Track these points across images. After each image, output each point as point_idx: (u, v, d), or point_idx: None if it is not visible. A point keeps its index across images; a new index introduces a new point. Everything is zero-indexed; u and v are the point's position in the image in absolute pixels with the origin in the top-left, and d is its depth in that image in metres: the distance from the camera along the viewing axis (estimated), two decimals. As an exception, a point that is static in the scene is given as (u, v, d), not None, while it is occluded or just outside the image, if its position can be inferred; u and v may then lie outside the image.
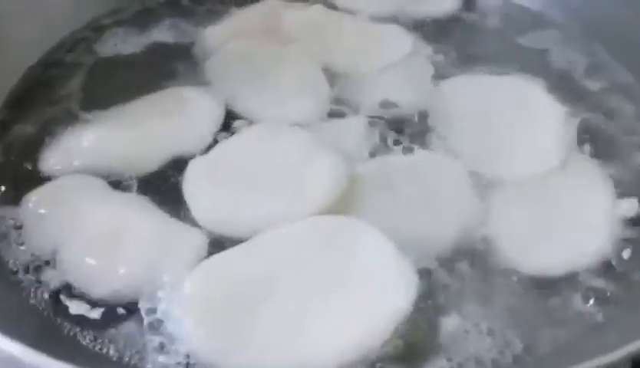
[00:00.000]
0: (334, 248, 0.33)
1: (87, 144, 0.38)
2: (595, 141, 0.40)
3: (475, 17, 0.50)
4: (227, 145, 0.38)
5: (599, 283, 0.34)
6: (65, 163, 0.38)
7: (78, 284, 0.33)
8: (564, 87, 0.43)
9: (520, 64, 0.44)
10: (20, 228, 0.35)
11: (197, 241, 0.34)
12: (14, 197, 0.36)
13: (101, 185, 0.36)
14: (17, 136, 0.39)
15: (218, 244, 0.34)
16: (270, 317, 0.30)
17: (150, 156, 0.38)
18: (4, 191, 0.37)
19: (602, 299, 0.33)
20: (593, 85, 0.44)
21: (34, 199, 0.35)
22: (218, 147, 0.38)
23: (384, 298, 0.31)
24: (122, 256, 0.33)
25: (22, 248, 0.34)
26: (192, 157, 0.37)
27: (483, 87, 0.43)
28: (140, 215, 0.35)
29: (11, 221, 0.35)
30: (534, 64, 0.46)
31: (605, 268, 0.34)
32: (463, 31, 0.49)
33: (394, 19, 0.48)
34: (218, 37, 0.46)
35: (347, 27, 0.47)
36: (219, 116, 0.40)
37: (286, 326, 0.30)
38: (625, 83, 0.45)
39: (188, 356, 0.30)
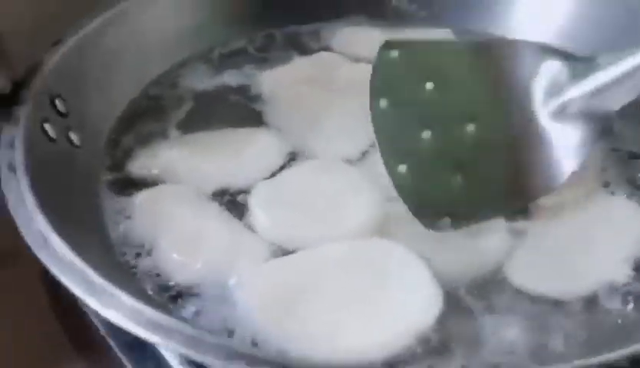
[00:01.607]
0: (373, 264, 0.39)
1: (167, 158, 0.47)
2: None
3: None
4: (287, 174, 0.46)
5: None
6: (149, 168, 0.46)
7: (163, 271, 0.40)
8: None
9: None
10: (129, 218, 0.43)
11: (260, 247, 0.41)
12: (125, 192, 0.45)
13: (194, 194, 0.45)
14: (122, 149, 0.48)
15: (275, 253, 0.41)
16: (315, 312, 0.37)
17: (221, 178, 0.46)
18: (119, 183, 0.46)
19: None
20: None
21: (142, 198, 0.44)
22: (280, 175, 0.46)
23: (411, 311, 0.36)
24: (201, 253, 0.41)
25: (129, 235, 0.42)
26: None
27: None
28: (220, 222, 0.43)
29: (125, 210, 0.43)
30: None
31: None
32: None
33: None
34: (273, 81, 0.54)
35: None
36: (280, 152, 0.48)
37: (327, 322, 0.36)
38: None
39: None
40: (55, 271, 0.33)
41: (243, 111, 0.52)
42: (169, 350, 0.34)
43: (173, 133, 0.50)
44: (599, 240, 0.42)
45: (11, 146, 0.40)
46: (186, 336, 0.30)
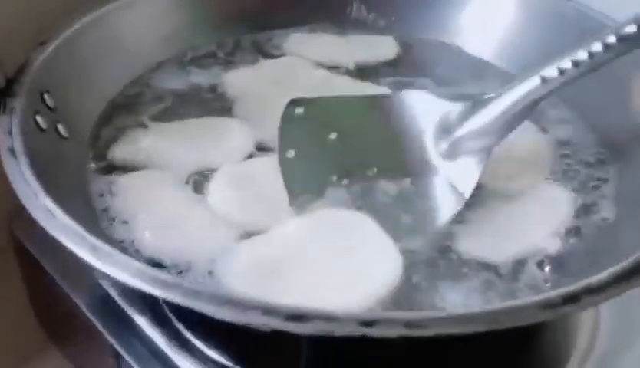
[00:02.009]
0: (341, 235, 0.43)
1: (145, 145, 0.52)
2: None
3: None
4: (252, 162, 0.51)
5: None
6: (129, 155, 0.51)
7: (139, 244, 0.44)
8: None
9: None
10: (115, 195, 0.47)
11: (228, 231, 0.45)
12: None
13: (170, 179, 0.49)
14: (104, 140, 0.52)
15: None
16: (292, 283, 0.40)
17: (195, 163, 0.50)
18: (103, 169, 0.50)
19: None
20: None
21: (121, 184, 0.48)
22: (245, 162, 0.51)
23: (373, 278, 0.41)
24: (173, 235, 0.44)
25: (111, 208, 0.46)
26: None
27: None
28: (192, 207, 0.47)
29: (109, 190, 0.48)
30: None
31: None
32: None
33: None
34: (237, 81, 0.59)
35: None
36: (250, 140, 0.53)
37: (302, 292, 0.40)
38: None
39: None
40: (65, 240, 0.36)
41: (214, 106, 0.57)
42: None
43: (150, 124, 0.55)
44: (533, 215, 0.48)
45: (10, 133, 0.44)
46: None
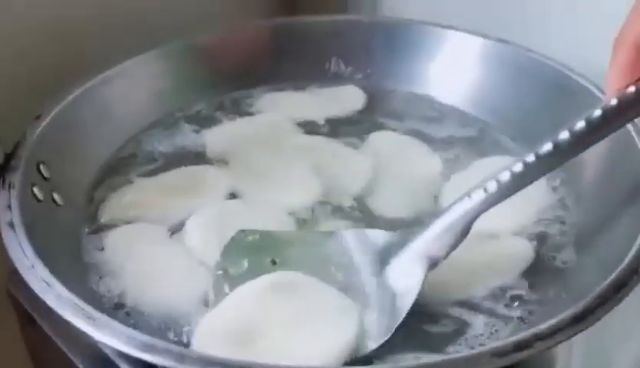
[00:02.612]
0: (298, 297, 0.45)
1: (128, 200, 0.56)
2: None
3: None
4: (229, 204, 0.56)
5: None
6: (116, 214, 0.55)
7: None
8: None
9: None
10: (102, 250, 0.51)
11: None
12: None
13: (154, 232, 0.53)
14: (96, 203, 0.56)
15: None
16: (266, 341, 0.42)
17: (176, 213, 0.54)
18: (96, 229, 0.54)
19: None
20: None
21: (108, 240, 0.52)
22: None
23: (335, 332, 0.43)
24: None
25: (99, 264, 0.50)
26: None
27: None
28: (175, 259, 0.50)
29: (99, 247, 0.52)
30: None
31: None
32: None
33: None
34: (216, 138, 0.63)
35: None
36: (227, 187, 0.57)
37: (275, 349, 0.41)
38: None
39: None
40: (60, 310, 0.40)
41: (196, 162, 0.62)
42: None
43: (135, 180, 0.59)
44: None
45: (9, 207, 0.47)
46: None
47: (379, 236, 0.49)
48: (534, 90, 0.64)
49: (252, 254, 0.50)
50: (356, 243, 0.50)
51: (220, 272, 0.48)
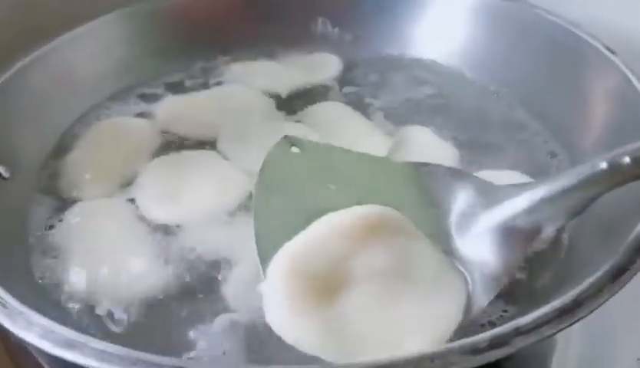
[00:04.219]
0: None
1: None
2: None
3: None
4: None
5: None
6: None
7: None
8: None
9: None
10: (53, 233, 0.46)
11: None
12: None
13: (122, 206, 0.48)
14: (52, 175, 0.52)
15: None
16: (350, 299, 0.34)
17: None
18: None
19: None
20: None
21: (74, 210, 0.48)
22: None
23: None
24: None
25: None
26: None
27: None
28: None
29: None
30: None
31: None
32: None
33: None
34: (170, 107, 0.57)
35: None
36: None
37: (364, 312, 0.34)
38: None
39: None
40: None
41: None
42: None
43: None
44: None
45: None
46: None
47: (467, 182, 0.40)
48: (537, 50, 0.57)
49: (300, 172, 0.41)
50: (439, 183, 0.40)
51: (261, 187, 0.40)
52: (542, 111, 0.55)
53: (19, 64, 0.54)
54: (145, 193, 0.49)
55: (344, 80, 0.62)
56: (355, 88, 0.61)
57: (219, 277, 0.42)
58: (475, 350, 0.32)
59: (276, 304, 0.35)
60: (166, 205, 0.48)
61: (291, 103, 0.59)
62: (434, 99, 0.59)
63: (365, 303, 0.34)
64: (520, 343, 0.32)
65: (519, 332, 0.33)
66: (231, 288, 0.41)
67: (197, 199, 0.48)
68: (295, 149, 0.43)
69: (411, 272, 0.36)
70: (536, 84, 0.56)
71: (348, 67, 0.63)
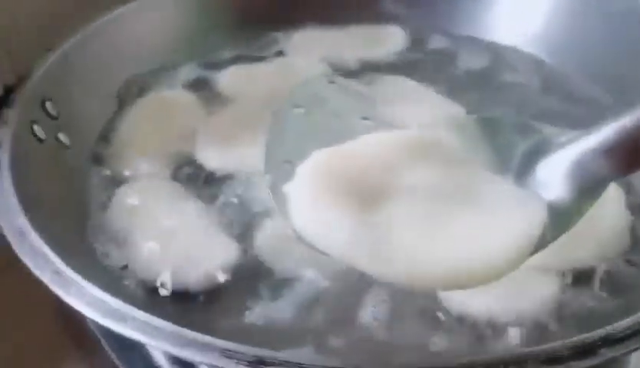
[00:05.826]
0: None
1: None
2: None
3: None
4: None
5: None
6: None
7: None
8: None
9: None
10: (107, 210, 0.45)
11: (229, 248, 0.42)
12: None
13: (172, 190, 0.47)
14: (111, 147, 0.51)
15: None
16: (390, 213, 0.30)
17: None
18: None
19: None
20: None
21: (121, 192, 0.46)
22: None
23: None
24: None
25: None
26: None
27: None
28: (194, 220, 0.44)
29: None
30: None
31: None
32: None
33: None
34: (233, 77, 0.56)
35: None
36: None
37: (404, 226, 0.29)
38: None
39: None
40: (32, 266, 0.35)
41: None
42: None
43: None
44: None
45: (-1, 146, 0.42)
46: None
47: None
48: (620, 33, 0.53)
49: (338, 101, 0.39)
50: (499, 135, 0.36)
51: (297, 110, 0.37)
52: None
53: (81, 34, 0.53)
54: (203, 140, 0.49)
55: (407, 55, 0.60)
56: (419, 64, 0.59)
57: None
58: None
59: (301, 201, 0.31)
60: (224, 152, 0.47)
61: (353, 76, 0.57)
62: (500, 80, 0.56)
63: (415, 216, 0.30)
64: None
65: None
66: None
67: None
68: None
69: (476, 194, 0.31)
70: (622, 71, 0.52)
71: (414, 43, 0.61)
